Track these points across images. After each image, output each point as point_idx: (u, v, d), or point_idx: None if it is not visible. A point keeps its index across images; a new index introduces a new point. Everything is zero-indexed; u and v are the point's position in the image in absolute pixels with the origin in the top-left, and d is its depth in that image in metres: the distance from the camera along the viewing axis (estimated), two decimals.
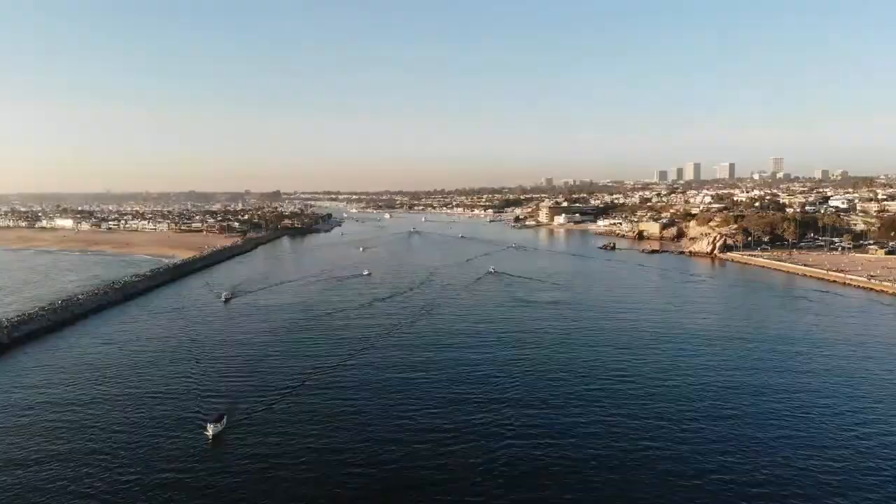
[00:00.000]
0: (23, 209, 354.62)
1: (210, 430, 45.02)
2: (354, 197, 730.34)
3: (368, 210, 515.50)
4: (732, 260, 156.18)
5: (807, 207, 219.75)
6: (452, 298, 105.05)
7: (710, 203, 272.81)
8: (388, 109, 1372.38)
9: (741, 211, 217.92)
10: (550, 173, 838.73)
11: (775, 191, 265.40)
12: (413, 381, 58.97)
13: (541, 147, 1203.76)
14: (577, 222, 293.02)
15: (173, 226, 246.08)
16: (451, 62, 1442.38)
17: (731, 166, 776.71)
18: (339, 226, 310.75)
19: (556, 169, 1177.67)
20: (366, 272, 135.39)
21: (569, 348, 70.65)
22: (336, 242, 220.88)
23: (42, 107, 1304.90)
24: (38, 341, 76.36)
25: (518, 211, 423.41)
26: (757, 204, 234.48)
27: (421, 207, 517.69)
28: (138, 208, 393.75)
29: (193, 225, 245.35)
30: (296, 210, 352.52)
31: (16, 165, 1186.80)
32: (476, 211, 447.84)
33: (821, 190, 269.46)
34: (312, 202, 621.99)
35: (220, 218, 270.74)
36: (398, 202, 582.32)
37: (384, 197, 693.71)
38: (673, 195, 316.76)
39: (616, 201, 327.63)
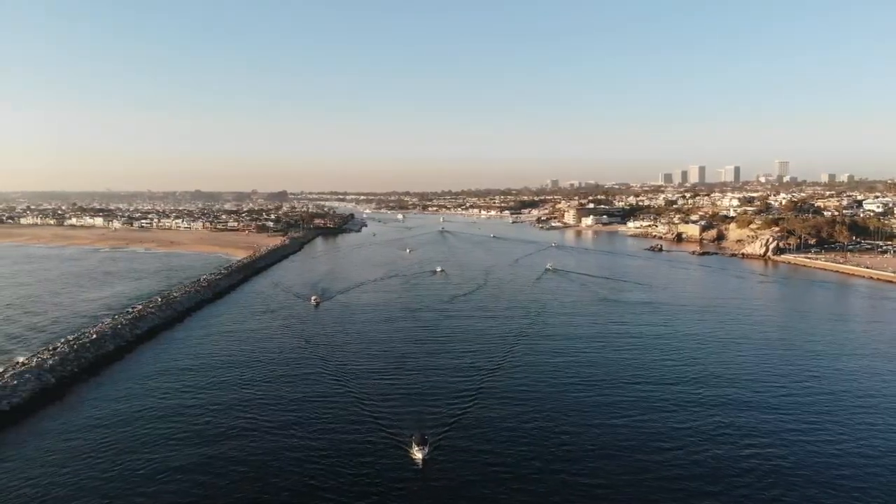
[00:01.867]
0: (48, 206, 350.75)
1: (418, 453, 40.14)
2: (363, 197, 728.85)
3: (382, 210, 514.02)
4: (788, 262, 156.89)
5: (844, 211, 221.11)
6: (539, 295, 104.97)
7: (737, 206, 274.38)
8: (389, 110, 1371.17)
9: (779, 214, 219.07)
10: (554, 175, 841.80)
11: (802, 195, 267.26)
12: (592, 382, 57.65)
13: (543, 149, 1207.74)
14: (605, 224, 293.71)
15: (208, 224, 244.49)
16: (452, 63, 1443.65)
17: (737, 169, 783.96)
18: (365, 226, 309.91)
19: (560, 171, 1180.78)
20: (438, 269, 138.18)
21: (723, 350, 69.33)
22: (372, 242, 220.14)
23: (43, 106, 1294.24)
24: (155, 340, 75.34)
25: (535, 212, 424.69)
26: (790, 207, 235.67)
27: (435, 208, 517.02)
28: (160, 207, 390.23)
29: (229, 224, 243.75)
30: (319, 211, 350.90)
31: (18, 165, 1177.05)
32: (492, 212, 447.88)
33: (850, 193, 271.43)
34: (321, 202, 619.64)
35: (254, 217, 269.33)
36: (410, 203, 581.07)
37: (393, 197, 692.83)
38: (697, 198, 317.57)
39: (640, 203, 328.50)
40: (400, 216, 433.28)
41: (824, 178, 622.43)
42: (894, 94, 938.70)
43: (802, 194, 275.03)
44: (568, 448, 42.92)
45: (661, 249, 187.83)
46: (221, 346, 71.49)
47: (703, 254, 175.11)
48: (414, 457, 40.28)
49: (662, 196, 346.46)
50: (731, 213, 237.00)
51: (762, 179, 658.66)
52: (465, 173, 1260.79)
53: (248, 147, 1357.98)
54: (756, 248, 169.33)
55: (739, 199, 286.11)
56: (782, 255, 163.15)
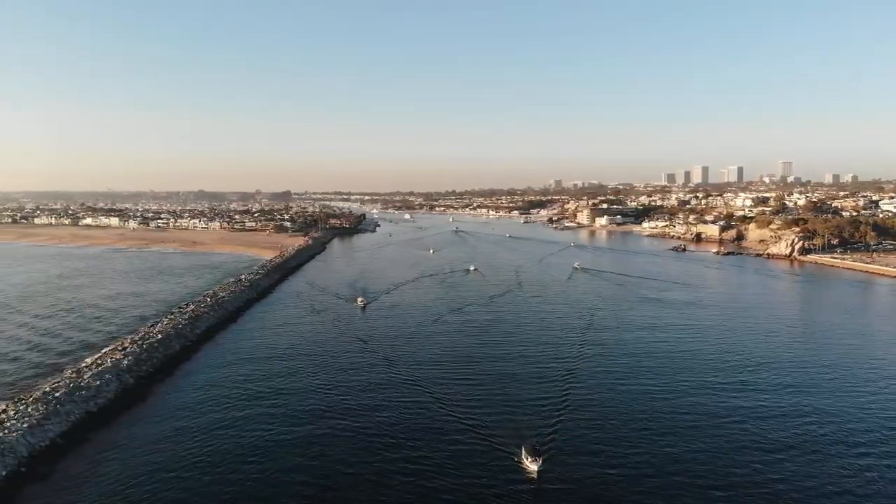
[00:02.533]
0: (56, 206, 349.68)
1: (532, 465, 38.41)
2: (367, 197, 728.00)
3: (390, 210, 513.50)
4: (815, 263, 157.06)
5: (862, 211, 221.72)
6: (581, 295, 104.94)
7: (751, 206, 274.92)
8: (389, 110, 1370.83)
9: (797, 214, 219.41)
10: (555, 175, 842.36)
11: (819, 195, 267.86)
12: (678, 383, 57.27)
13: (543, 149, 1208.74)
14: (619, 224, 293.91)
15: (225, 225, 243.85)
16: (452, 63, 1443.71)
17: (740, 169, 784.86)
18: (378, 226, 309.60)
19: (560, 171, 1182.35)
20: (472, 268, 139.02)
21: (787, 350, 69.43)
22: (389, 243, 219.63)
23: (43, 106, 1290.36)
24: (213, 341, 75.03)
25: (544, 212, 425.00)
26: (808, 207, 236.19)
27: (442, 208, 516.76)
28: (167, 206, 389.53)
29: (247, 224, 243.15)
30: (332, 211, 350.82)
31: (18, 165, 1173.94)
32: (501, 212, 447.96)
33: (865, 194, 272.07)
34: (325, 202, 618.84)
35: (269, 217, 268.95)
36: (417, 203, 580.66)
37: (397, 197, 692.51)
38: (710, 198, 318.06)
39: (653, 203, 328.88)
40: (407, 216, 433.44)
41: (828, 179, 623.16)
42: (894, 94, 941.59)
43: (818, 194, 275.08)
44: (675, 450, 42.63)
45: (684, 249, 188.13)
46: (282, 348, 70.56)
47: (728, 254, 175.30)
48: (527, 469, 38.72)
49: (675, 196, 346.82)
50: (747, 214, 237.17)
51: (766, 180, 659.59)
52: (465, 173, 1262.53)
53: (248, 147, 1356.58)
54: (781, 248, 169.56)
55: (753, 199, 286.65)
56: (808, 256, 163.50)
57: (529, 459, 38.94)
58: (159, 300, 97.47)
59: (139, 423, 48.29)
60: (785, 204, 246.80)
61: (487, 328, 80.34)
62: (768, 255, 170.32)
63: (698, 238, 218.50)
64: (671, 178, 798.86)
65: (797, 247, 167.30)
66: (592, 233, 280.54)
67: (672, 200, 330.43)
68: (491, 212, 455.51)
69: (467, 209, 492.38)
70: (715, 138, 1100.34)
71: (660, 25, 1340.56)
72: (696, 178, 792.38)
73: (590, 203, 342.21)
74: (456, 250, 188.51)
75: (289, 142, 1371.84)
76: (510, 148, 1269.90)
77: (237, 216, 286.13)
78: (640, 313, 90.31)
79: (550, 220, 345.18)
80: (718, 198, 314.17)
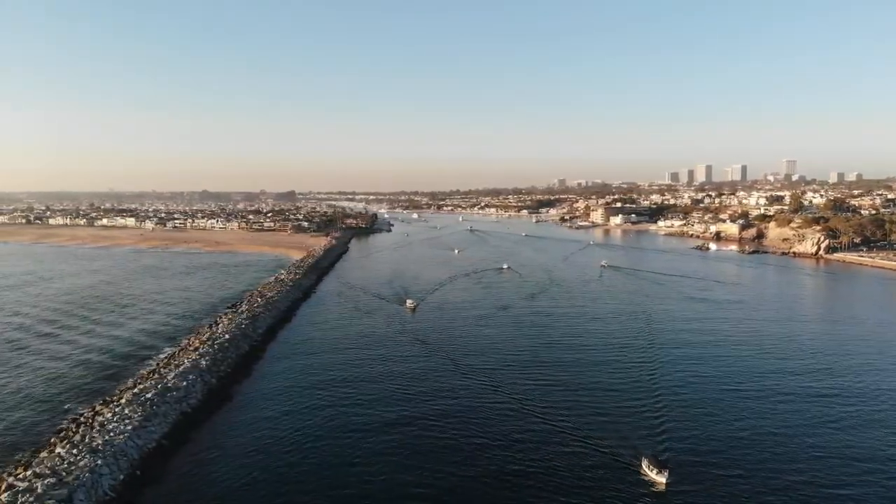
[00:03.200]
0: (64, 207, 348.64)
1: (660, 477, 36.75)
2: (371, 197, 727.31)
3: (397, 210, 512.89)
4: (842, 261, 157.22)
5: (882, 210, 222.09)
6: (623, 295, 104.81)
7: (765, 205, 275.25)
8: (389, 110, 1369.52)
9: (816, 213, 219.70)
10: (557, 174, 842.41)
11: (836, 194, 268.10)
12: (768, 385, 57.13)
13: (543, 148, 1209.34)
14: (633, 223, 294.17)
15: (244, 225, 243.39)
16: (452, 63, 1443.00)
17: (743, 168, 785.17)
18: (392, 226, 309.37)
19: (561, 170, 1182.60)
20: (505, 266, 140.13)
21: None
22: (408, 242, 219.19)
23: (43, 107, 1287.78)
24: (275, 340, 74.91)
25: (553, 211, 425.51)
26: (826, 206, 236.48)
27: (450, 208, 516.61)
28: (174, 206, 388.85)
29: (265, 224, 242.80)
30: (345, 211, 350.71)
31: (19, 165, 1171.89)
32: (510, 212, 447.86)
33: (880, 192, 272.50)
34: (330, 202, 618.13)
35: (285, 217, 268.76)
36: (423, 203, 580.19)
37: (402, 197, 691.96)
38: (723, 196, 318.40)
39: (666, 202, 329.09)
40: (415, 215, 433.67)
41: (833, 177, 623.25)
42: (894, 93, 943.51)
43: (833, 193, 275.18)
44: (786, 450, 42.70)
45: (707, 248, 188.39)
46: (345, 349, 69.92)
47: (753, 252, 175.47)
48: (654, 481, 37.04)
49: (687, 195, 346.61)
50: (765, 212, 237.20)
51: (770, 178, 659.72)
52: (466, 173, 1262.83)
53: (248, 147, 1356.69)
54: (807, 246, 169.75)
55: (767, 197, 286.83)
56: (834, 255, 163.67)
57: (654, 471, 37.24)
58: (205, 300, 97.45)
59: (233, 422, 48.24)
60: (802, 203, 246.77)
61: (544, 328, 79.88)
62: (794, 253, 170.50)
63: (717, 237, 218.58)
64: (674, 176, 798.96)
65: (823, 245, 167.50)
66: (607, 231, 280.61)
67: (685, 199, 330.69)
68: (501, 211, 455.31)
69: (475, 208, 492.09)
70: (716, 137, 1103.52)
71: (660, 25, 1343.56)
72: (700, 177, 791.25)
73: (603, 202, 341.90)
74: (479, 250, 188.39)
75: (289, 142, 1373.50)
76: (511, 148, 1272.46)
77: (250, 216, 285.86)
78: (696, 313, 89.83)
79: (563, 219, 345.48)
80: (732, 196, 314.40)
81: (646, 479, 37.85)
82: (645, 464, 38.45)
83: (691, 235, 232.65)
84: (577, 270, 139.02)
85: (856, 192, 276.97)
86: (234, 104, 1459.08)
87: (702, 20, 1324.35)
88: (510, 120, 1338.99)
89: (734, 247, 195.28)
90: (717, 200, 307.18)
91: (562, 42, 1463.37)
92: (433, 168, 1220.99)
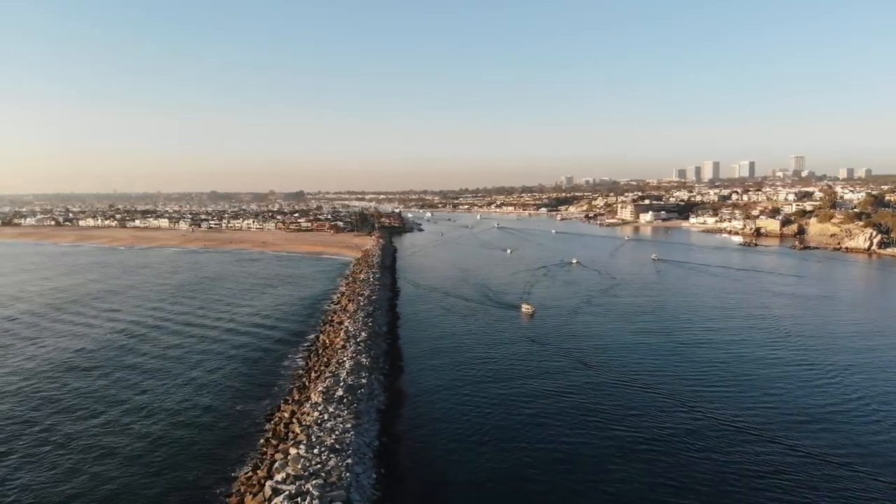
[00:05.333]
0: (83, 208, 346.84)
1: None
2: (382, 196, 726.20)
3: (412, 209, 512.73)
4: (894, 256, 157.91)
5: None
6: (703, 290, 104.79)
7: (794, 201, 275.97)
8: (389, 110, 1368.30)
9: (855, 208, 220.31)
10: (566, 172, 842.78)
11: (876, 190, 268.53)
12: None
13: (554, 147, 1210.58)
14: (664, 219, 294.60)
15: (281, 225, 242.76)
16: (453, 63, 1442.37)
17: (751, 164, 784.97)
18: (420, 225, 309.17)
19: (567, 168, 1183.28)
20: (574, 260, 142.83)
21: None
22: (445, 241, 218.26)
23: (43, 107, 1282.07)
24: (401, 338, 74.64)
25: (572, 209, 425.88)
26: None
27: (466, 206, 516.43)
28: (186, 207, 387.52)
29: (303, 224, 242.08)
30: (372, 211, 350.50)
31: (19, 166, 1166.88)
32: (529, 210, 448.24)
33: None
34: (340, 201, 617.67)
35: (315, 217, 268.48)
36: (437, 202, 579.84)
37: (413, 196, 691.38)
38: (750, 193, 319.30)
39: (693, 199, 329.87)
40: (428, 214, 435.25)
41: (842, 173, 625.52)
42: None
43: (865, 189, 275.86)
44: None
45: (755, 244, 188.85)
46: (471, 349, 68.39)
47: (804, 248, 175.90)
48: None
49: (715, 192, 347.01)
50: (802, 208, 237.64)
51: (780, 174, 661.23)
52: (473, 171, 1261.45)
53: (253, 147, 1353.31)
54: (860, 242, 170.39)
55: (796, 193, 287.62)
56: (886, 249, 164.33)
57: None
58: (300, 299, 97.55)
59: (419, 417, 48.14)
60: (835, 199, 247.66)
61: (669, 324, 78.54)
62: (846, 249, 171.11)
63: (758, 233, 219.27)
64: (682, 173, 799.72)
65: (876, 241, 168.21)
66: (637, 229, 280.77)
67: (711, 196, 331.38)
68: (519, 209, 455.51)
69: (492, 206, 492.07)
70: (722, 134, 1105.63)
71: (662, 25, 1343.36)
72: (708, 174, 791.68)
73: (630, 199, 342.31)
74: (529, 248, 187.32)
75: (295, 141, 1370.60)
76: (516, 146, 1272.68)
77: (279, 216, 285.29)
78: (805, 309, 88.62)
79: (587, 217, 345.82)
80: (759, 193, 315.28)
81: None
82: None
83: (728, 231, 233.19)
84: (632, 265, 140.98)
85: (884, 187, 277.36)
86: (235, 104, 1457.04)
87: (703, 20, 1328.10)
88: (515, 119, 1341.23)
89: (774, 242, 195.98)
90: (744, 197, 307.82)
91: (562, 42, 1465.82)
92: (440, 167, 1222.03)
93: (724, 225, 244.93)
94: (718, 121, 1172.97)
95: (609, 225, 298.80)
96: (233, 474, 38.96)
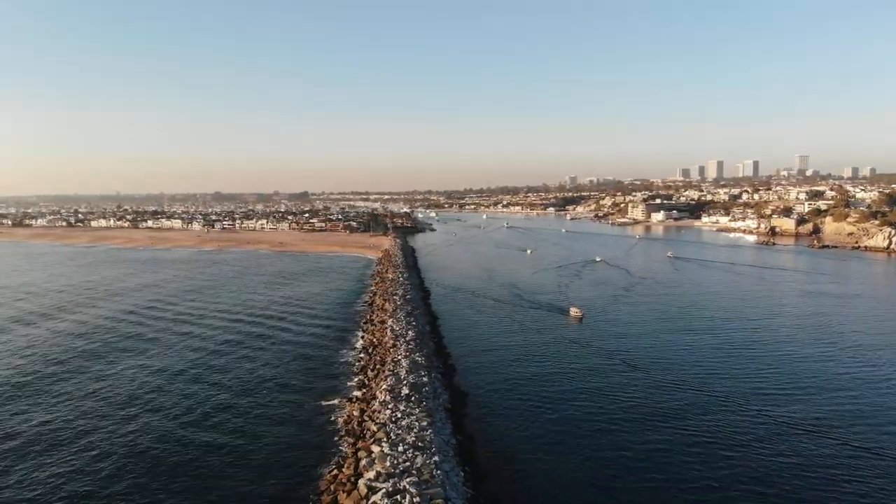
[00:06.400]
0: (91, 209, 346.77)
1: None
2: (386, 196, 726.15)
3: (419, 209, 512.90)
4: None
5: None
6: (735, 288, 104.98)
7: (806, 199, 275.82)
8: (389, 111, 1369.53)
9: (870, 207, 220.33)
10: (570, 172, 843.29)
11: (887, 189, 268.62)
12: None
13: (557, 147, 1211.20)
14: (675, 219, 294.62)
15: (295, 226, 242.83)
16: (454, 63, 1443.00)
17: (755, 163, 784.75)
18: (431, 225, 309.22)
19: (574, 168, 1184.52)
20: (598, 258, 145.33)
21: None
22: (459, 241, 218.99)
23: (44, 108, 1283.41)
24: (444, 337, 74.58)
25: (580, 209, 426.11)
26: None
27: (472, 207, 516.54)
28: (196, 208, 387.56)
29: (317, 224, 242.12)
30: (380, 211, 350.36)
31: (20, 167, 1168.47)
32: (536, 210, 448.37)
33: None
34: (345, 202, 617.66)
35: (326, 217, 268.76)
36: (443, 202, 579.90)
37: (417, 197, 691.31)
38: (760, 192, 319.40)
39: (703, 199, 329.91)
40: (433, 214, 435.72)
41: (847, 172, 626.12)
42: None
43: (889, 188, 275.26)
44: None
45: (773, 243, 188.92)
46: (515, 347, 68.50)
47: (823, 247, 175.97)
48: None
49: (725, 192, 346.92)
50: (817, 207, 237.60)
51: (784, 173, 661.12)
52: (478, 171, 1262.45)
53: (255, 148, 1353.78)
54: (879, 241, 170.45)
55: (807, 192, 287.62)
56: None
57: None
58: (333, 298, 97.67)
59: (482, 416, 48.18)
60: (848, 198, 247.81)
61: (709, 322, 78.76)
62: (865, 247, 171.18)
63: (773, 232, 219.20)
64: (686, 172, 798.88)
65: (894, 239, 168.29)
66: (648, 228, 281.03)
67: (721, 195, 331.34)
68: (527, 209, 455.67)
69: (499, 206, 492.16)
70: (725, 134, 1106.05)
71: (666, 25, 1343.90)
72: (711, 173, 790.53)
73: (640, 198, 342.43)
74: (545, 248, 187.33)
75: (298, 142, 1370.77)
76: (519, 146, 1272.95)
77: (289, 216, 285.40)
78: (846, 307, 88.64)
79: (597, 216, 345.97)
80: (769, 192, 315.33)
81: None
82: None
83: (741, 230, 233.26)
84: (650, 263, 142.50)
85: (895, 186, 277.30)
86: (234, 104, 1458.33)
87: (702, 20, 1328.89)
88: (516, 119, 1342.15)
89: (791, 242, 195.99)
90: (755, 196, 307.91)
91: (564, 42, 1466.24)
92: (443, 167, 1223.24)
93: (738, 224, 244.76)
94: (722, 120, 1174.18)
95: (620, 224, 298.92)
96: (317, 473, 38.85)
